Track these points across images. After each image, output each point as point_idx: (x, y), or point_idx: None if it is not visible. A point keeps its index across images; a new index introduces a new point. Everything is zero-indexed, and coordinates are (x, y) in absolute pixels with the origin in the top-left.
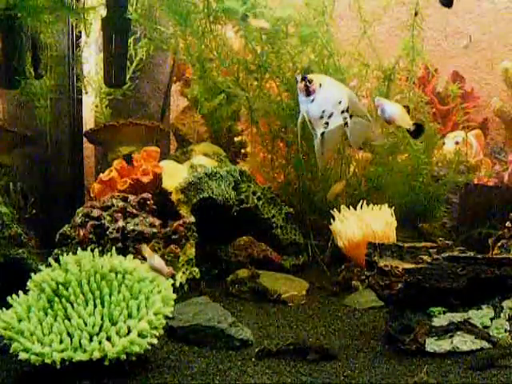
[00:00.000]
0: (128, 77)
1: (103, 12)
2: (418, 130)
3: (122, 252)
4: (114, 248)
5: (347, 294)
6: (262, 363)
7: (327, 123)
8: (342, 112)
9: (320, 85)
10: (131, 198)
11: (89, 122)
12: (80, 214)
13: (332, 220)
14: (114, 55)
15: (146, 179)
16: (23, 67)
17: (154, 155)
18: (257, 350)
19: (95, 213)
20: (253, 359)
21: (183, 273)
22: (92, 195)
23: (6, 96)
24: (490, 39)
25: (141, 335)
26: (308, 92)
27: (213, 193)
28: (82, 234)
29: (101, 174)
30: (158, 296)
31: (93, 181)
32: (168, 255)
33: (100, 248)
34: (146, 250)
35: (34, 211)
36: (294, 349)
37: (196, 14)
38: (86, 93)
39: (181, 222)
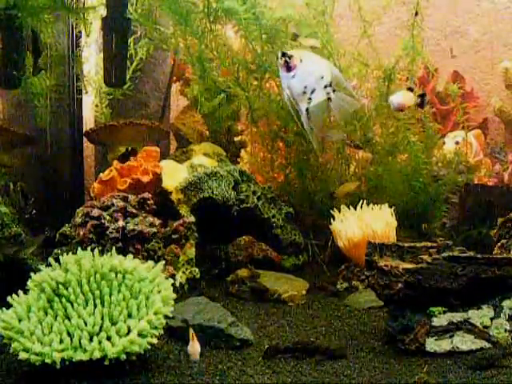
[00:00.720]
0: (128, 76)
1: (103, 12)
2: (422, 101)
3: (122, 252)
4: (113, 248)
5: (347, 293)
6: (262, 363)
7: (310, 99)
8: (325, 87)
9: (301, 60)
10: (131, 197)
11: (89, 121)
12: (80, 214)
13: (332, 220)
14: (114, 55)
15: (145, 179)
16: (23, 67)
17: (154, 155)
18: (266, 347)
19: (95, 212)
20: (260, 358)
21: (183, 272)
22: (92, 195)
23: (6, 96)
24: (489, 39)
25: (141, 335)
26: (288, 68)
27: (213, 192)
28: (81, 233)
29: (101, 174)
30: (158, 296)
31: (93, 180)
32: (168, 255)
33: (100, 248)
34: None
35: (33, 212)
36: (302, 348)
37: (196, 14)
38: (86, 92)
39: (181, 221)
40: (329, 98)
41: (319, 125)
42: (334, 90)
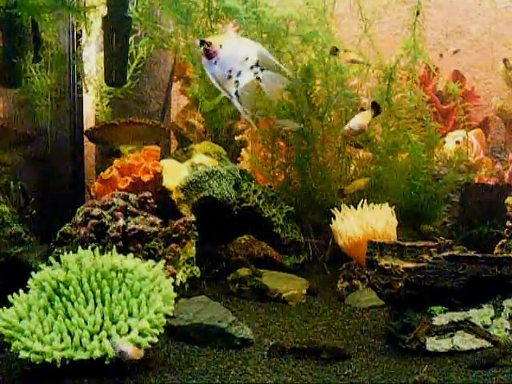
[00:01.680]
0: (129, 76)
1: (104, 11)
2: (376, 108)
3: (123, 251)
4: (114, 247)
5: (348, 293)
6: (262, 362)
7: (237, 81)
8: (252, 68)
9: (220, 46)
10: (132, 196)
11: (89, 120)
12: (81, 213)
13: (332, 219)
14: (114, 54)
15: (146, 178)
16: (24, 66)
17: (155, 154)
18: (271, 345)
19: (96, 211)
20: (260, 357)
21: (184, 272)
22: (93, 194)
23: (7, 95)
24: (490, 39)
25: (141, 334)
26: (209, 55)
27: (213, 192)
28: (82, 232)
29: (101, 173)
30: (159, 295)
31: (93, 179)
32: (168, 254)
33: (100, 247)
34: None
35: (33, 211)
36: (308, 348)
37: (197, 13)
38: (87, 91)
39: (181, 220)
40: (258, 78)
41: (252, 105)
42: (262, 69)
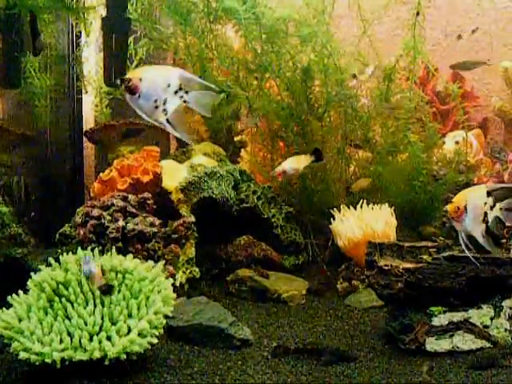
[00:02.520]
0: None
1: (103, 11)
2: (318, 155)
3: (122, 251)
4: (114, 247)
5: (347, 293)
6: (262, 362)
7: (165, 110)
8: (176, 92)
9: (140, 79)
10: (131, 197)
11: (89, 121)
12: (80, 214)
13: (332, 219)
14: (113, 55)
15: (146, 179)
16: (23, 67)
17: (154, 155)
18: (275, 345)
19: (95, 212)
20: (260, 357)
21: (183, 272)
22: (92, 195)
23: (6, 95)
24: (489, 39)
25: (141, 335)
26: (131, 91)
27: (213, 192)
28: (82, 233)
29: (101, 174)
30: (158, 295)
31: (93, 180)
32: (168, 255)
33: (100, 247)
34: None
35: (34, 211)
36: (311, 349)
37: (196, 14)
38: (86, 92)
39: (181, 221)
40: (184, 101)
41: (185, 126)
42: (186, 92)
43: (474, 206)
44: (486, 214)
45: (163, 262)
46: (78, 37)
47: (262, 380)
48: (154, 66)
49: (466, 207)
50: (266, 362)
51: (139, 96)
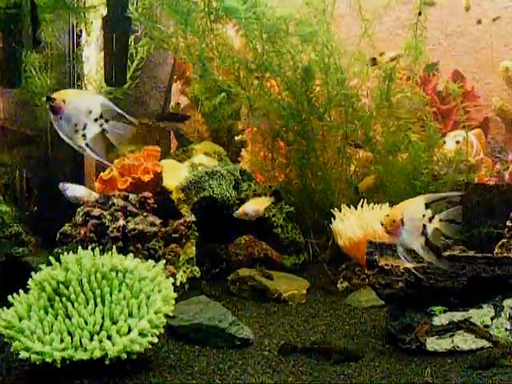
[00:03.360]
0: (128, 76)
1: (104, 11)
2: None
3: (123, 251)
4: (114, 247)
5: (348, 293)
6: (262, 362)
7: (84, 135)
8: (96, 120)
9: (64, 101)
10: (132, 196)
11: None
12: (81, 213)
13: (332, 219)
14: (114, 54)
15: (146, 178)
16: (23, 66)
17: (155, 154)
18: (282, 343)
19: (96, 212)
20: (260, 357)
21: (184, 272)
22: None
23: (7, 95)
24: (490, 39)
25: (141, 334)
26: (54, 111)
27: (213, 192)
28: (82, 232)
29: (101, 173)
30: (159, 295)
31: (93, 180)
32: (168, 254)
33: (100, 247)
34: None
35: (35, 208)
36: (319, 348)
37: (197, 13)
38: None
39: (181, 220)
40: (104, 130)
41: (103, 151)
42: (107, 120)
43: (410, 218)
44: (424, 226)
45: (164, 261)
46: (79, 36)
47: (263, 380)
48: (80, 90)
49: (402, 220)
50: (266, 361)
51: (61, 117)
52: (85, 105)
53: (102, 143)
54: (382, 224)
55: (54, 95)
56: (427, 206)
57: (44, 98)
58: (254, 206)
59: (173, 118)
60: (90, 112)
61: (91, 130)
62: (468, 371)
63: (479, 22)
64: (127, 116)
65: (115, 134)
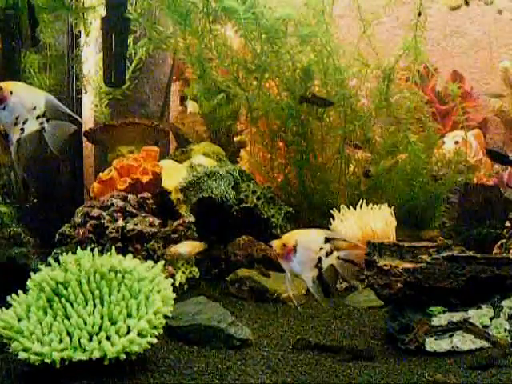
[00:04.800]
0: (127, 76)
1: (103, 11)
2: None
3: (122, 251)
4: (113, 247)
5: (347, 293)
6: (261, 363)
7: (23, 129)
8: (38, 117)
9: (11, 92)
10: (131, 197)
11: (88, 121)
12: (80, 214)
13: (331, 219)
14: (113, 55)
15: (145, 179)
16: (22, 67)
17: (154, 155)
18: (297, 338)
19: (95, 212)
20: (259, 357)
21: (183, 272)
22: (92, 195)
23: None
24: (489, 39)
25: (140, 335)
26: None
27: (212, 192)
28: (81, 233)
29: (100, 174)
30: (158, 295)
31: (92, 180)
32: (167, 255)
33: (99, 247)
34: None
35: (35, 200)
36: (331, 346)
37: (195, 14)
38: (86, 92)
39: (180, 221)
40: (43, 129)
41: (28, 154)
42: (48, 120)
43: (305, 247)
44: (320, 259)
45: (163, 261)
46: (78, 37)
47: (262, 380)
48: (29, 86)
49: (295, 247)
50: (265, 361)
51: (4, 108)
52: (30, 100)
53: (32, 146)
54: (271, 247)
55: (2, 84)
56: (328, 240)
57: None
58: (188, 248)
59: (317, 100)
60: (34, 108)
61: (30, 126)
62: (467, 371)
63: (500, 12)
64: (72, 114)
65: (52, 136)
